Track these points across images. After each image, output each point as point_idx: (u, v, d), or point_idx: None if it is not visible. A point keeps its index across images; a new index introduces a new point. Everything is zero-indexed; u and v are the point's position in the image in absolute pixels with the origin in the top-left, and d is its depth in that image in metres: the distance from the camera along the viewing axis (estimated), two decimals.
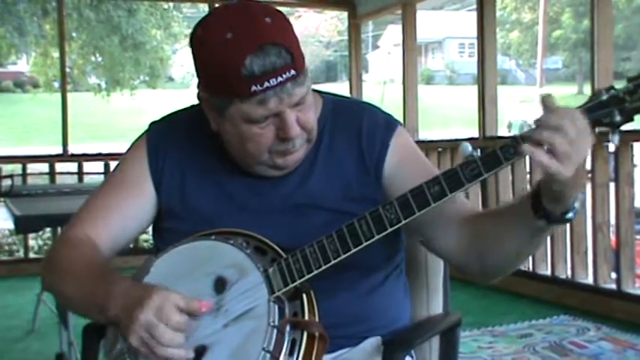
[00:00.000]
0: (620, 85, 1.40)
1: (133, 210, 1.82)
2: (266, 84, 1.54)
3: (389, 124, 1.82)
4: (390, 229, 1.49)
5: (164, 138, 1.84)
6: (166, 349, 1.47)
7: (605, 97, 1.38)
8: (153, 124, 1.90)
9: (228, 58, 1.54)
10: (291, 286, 1.51)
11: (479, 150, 6.58)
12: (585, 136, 1.36)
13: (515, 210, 1.57)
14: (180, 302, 1.49)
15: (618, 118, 1.37)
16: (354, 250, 1.50)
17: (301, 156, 1.71)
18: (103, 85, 26.61)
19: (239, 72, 1.53)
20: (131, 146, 1.89)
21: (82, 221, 1.81)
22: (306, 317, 1.50)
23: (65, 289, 1.72)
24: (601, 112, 1.38)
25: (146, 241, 8.16)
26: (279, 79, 1.54)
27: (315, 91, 1.78)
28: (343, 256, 1.50)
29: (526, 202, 1.51)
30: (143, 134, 1.88)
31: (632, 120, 1.38)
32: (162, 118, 1.91)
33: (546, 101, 1.39)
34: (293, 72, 1.56)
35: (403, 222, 1.49)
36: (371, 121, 1.81)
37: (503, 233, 1.60)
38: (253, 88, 1.54)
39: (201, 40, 1.61)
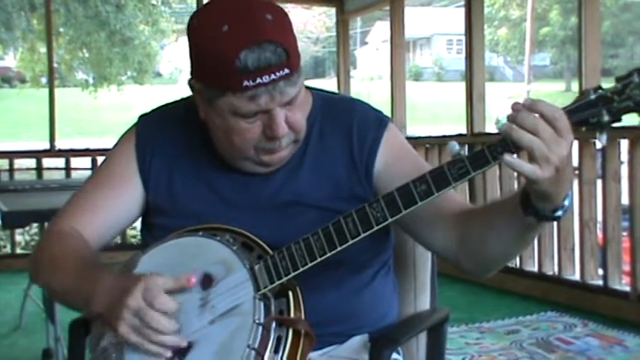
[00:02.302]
0: (608, 82, 1.40)
1: (121, 204, 1.81)
2: (258, 80, 1.52)
3: (380, 121, 1.80)
4: (376, 228, 1.48)
5: (153, 131, 1.83)
6: (159, 336, 1.47)
7: (593, 96, 1.36)
8: (142, 116, 1.89)
9: (223, 51, 1.52)
10: (277, 283, 1.50)
11: (467, 147, 6.61)
12: (564, 137, 1.35)
13: (504, 208, 1.56)
14: (168, 283, 1.49)
15: (606, 118, 1.35)
16: (340, 248, 1.49)
17: (287, 155, 1.69)
18: (91, 80, 26.54)
19: (232, 65, 1.51)
20: (120, 139, 1.88)
21: (70, 214, 1.81)
22: (292, 315, 1.50)
23: (52, 282, 1.73)
24: (588, 112, 1.36)
25: (134, 237, 8.14)
26: (272, 76, 1.52)
27: (305, 87, 1.76)
28: (329, 254, 1.49)
29: (515, 199, 1.50)
30: (132, 127, 1.87)
31: (619, 120, 1.37)
32: (152, 111, 1.90)
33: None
34: (287, 71, 1.54)
35: (389, 220, 1.47)
36: (362, 118, 1.79)
37: (492, 231, 1.59)
38: (245, 82, 1.52)
39: (196, 30, 1.59)
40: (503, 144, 1.38)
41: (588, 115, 1.36)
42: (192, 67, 1.64)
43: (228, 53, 1.51)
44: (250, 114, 1.57)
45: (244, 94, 1.54)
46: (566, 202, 1.46)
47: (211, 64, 1.55)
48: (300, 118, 1.65)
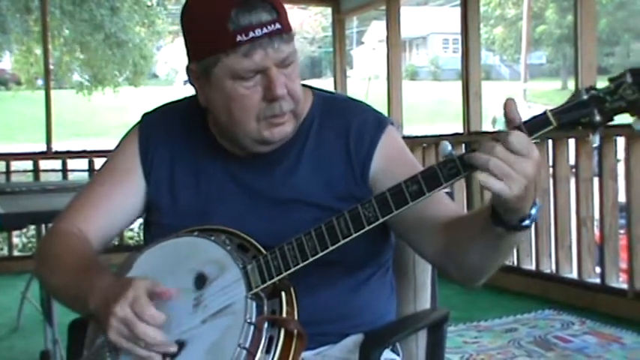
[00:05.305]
0: (604, 80, 1.39)
1: (123, 201, 1.82)
2: (251, 34, 1.55)
3: (379, 123, 1.80)
4: (367, 228, 1.47)
5: (156, 129, 1.85)
6: (147, 347, 1.48)
7: (585, 96, 1.35)
8: (145, 115, 1.90)
9: (214, 13, 1.56)
10: (269, 283, 1.51)
11: (463, 146, 6.56)
12: (524, 155, 1.35)
13: (478, 218, 1.55)
14: (150, 287, 1.50)
15: (598, 118, 1.35)
16: (331, 248, 1.49)
17: (289, 131, 1.68)
18: (86, 82, 26.49)
19: (225, 24, 1.54)
20: (123, 137, 1.90)
21: (73, 213, 1.83)
22: (284, 315, 1.50)
23: (52, 280, 1.75)
24: (580, 112, 1.35)
25: (131, 238, 8.15)
26: (265, 30, 1.56)
27: (306, 86, 1.79)
28: (321, 254, 1.49)
29: (486, 210, 1.49)
30: (135, 125, 1.89)
31: (611, 120, 1.36)
32: (155, 109, 1.92)
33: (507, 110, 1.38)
34: (279, 26, 1.58)
35: (381, 220, 1.47)
36: (361, 119, 1.79)
37: (469, 240, 1.59)
38: (238, 38, 1.55)
39: (188, 5, 1.65)
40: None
41: (579, 116, 1.36)
42: (188, 51, 1.67)
43: (220, 14, 1.55)
44: (247, 73, 1.59)
45: (238, 50, 1.56)
46: (533, 212, 1.45)
47: (204, 29, 1.60)
48: (298, 88, 1.67)
